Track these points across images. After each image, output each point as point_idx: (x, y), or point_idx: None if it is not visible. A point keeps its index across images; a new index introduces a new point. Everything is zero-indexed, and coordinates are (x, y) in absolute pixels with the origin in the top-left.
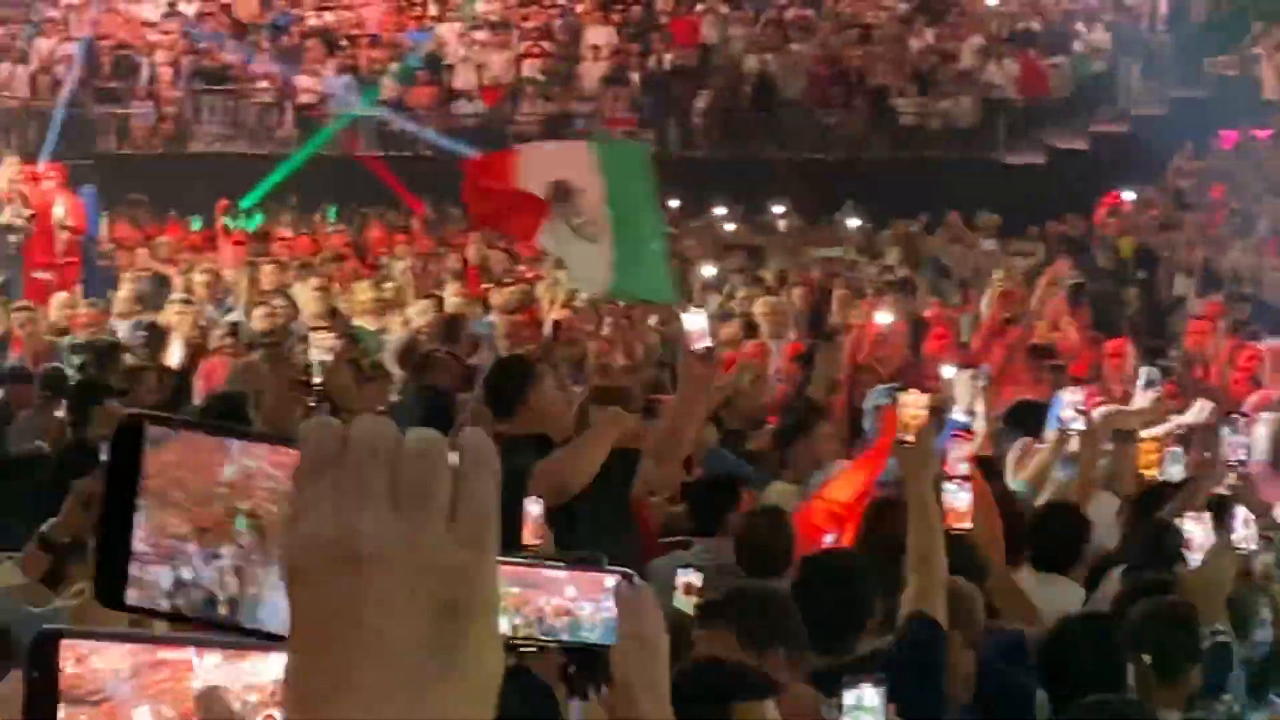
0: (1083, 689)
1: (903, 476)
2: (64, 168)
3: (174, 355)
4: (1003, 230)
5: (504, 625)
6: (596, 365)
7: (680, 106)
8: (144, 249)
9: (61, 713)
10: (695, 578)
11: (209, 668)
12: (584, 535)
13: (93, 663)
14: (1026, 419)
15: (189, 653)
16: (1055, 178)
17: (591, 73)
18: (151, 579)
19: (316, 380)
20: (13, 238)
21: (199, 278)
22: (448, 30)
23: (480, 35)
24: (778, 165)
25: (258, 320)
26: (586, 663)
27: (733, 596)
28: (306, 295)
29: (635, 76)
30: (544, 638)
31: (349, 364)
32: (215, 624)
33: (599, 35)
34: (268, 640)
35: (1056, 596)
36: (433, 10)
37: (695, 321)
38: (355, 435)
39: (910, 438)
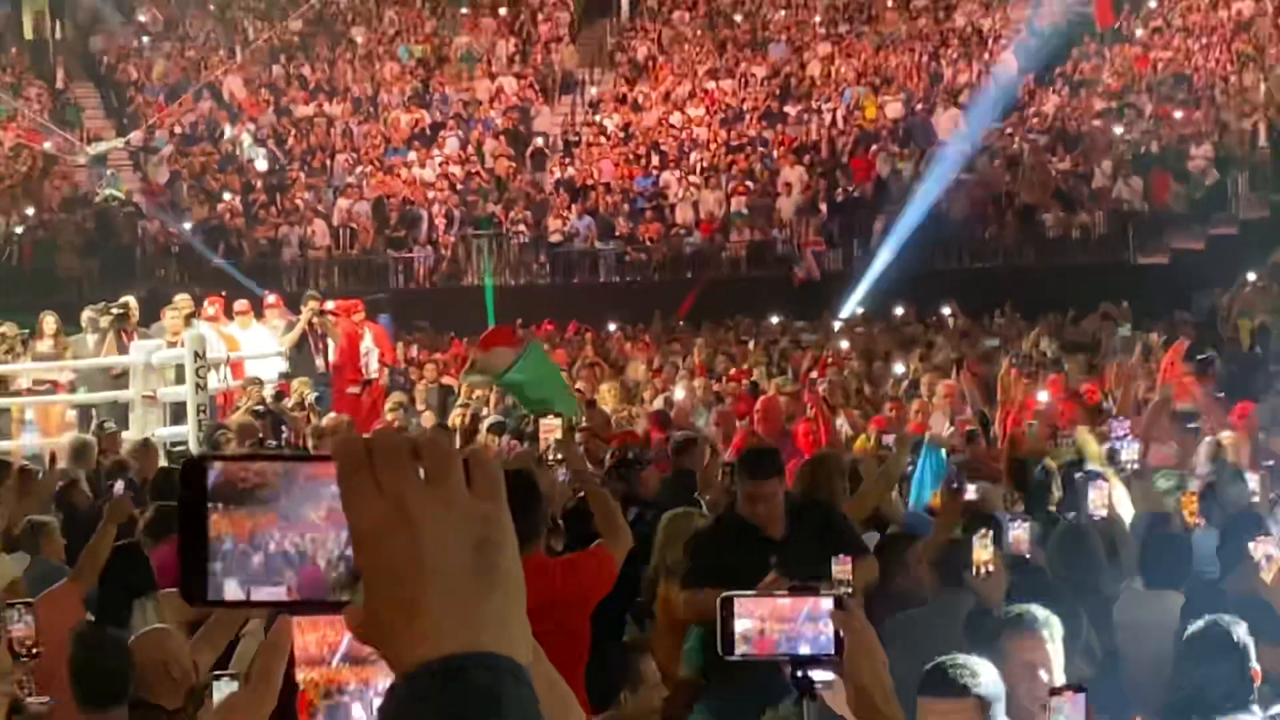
0: None
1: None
2: (364, 303)
3: None
4: (1134, 318)
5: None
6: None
7: (862, 229)
8: (432, 365)
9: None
10: None
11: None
12: None
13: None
14: None
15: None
16: (1177, 274)
17: (787, 206)
18: (235, 576)
19: (554, 459)
20: (319, 360)
21: (479, 391)
22: (670, 176)
23: (695, 179)
24: (946, 273)
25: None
26: (811, 669)
27: None
28: None
29: (824, 206)
30: (779, 654)
31: None
32: (288, 606)
33: (792, 175)
34: (333, 610)
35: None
36: (655, 160)
37: None
38: (376, 440)
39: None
